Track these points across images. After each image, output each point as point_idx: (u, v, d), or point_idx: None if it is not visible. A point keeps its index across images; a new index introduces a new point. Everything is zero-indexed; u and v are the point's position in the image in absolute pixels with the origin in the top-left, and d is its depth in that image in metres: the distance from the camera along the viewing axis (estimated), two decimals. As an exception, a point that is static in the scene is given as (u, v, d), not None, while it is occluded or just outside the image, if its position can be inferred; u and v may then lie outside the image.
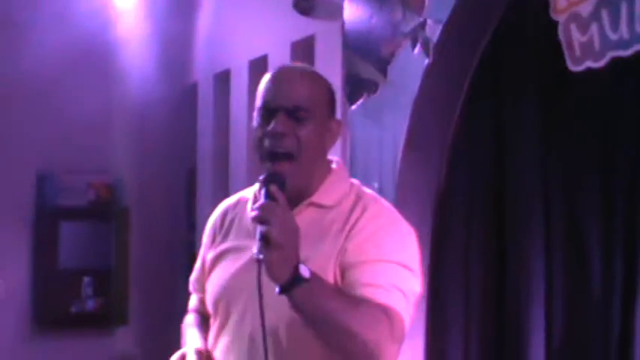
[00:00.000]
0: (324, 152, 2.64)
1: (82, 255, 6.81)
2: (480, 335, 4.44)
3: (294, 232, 2.29)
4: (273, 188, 2.35)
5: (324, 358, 2.44)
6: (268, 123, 2.52)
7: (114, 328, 6.89)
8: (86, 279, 6.77)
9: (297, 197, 2.55)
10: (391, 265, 2.45)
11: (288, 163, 2.50)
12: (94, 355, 6.74)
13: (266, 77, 2.62)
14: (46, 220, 6.73)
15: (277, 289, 2.27)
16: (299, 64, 2.92)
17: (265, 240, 2.23)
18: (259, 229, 2.25)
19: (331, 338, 2.36)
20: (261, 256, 2.23)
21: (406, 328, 2.45)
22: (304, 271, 2.27)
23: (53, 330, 6.70)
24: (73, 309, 6.72)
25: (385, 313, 2.37)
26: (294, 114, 2.50)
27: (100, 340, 6.83)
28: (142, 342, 6.81)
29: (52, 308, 6.71)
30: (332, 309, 2.30)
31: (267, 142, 2.51)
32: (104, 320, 6.83)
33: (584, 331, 3.94)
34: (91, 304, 6.77)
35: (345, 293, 2.39)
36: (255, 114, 2.58)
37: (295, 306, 2.30)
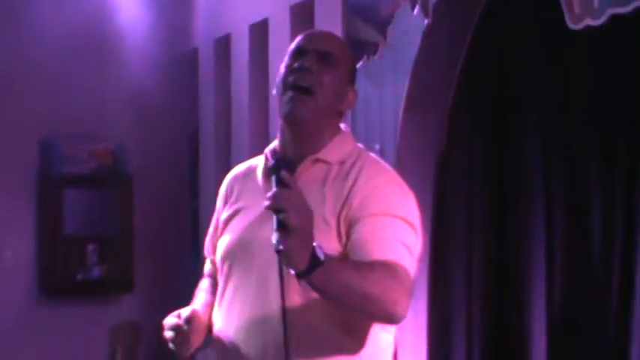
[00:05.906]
0: (338, 111, 2.70)
1: (86, 222, 6.80)
2: (481, 300, 4.47)
3: (309, 215, 2.35)
4: (285, 174, 2.39)
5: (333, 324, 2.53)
6: (297, 62, 2.62)
7: (119, 295, 6.91)
8: (91, 246, 6.77)
9: (304, 151, 2.64)
10: (396, 220, 2.54)
11: (307, 97, 2.58)
12: (100, 322, 6.76)
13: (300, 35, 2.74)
14: (50, 188, 6.72)
15: (294, 274, 2.32)
16: None
17: (283, 227, 2.28)
18: (275, 218, 2.30)
19: (353, 306, 2.46)
20: (281, 247, 2.27)
21: (413, 280, 2.53)
22: (320, 253, 2.33)
23: (59, 297, 6.72)
24: (79, 276, 6.72)
25: (395, 271, 2.45)
26: (324, 58, 2.62)
27: (106, 307, 6.84)
28: (147, 308, 6.83)
29: (58, 276, 6.71)
30: (349, 282, 2.40)
31: (291, 78, 2.61)
32: (109, 287, 6.84)
33: (584, 301, 3.97)
34: (96, 272, 6.78)
35: (355, 263, 2.48)
36: (286, 58, 2.67)
37: (314, 288, 2.37)
